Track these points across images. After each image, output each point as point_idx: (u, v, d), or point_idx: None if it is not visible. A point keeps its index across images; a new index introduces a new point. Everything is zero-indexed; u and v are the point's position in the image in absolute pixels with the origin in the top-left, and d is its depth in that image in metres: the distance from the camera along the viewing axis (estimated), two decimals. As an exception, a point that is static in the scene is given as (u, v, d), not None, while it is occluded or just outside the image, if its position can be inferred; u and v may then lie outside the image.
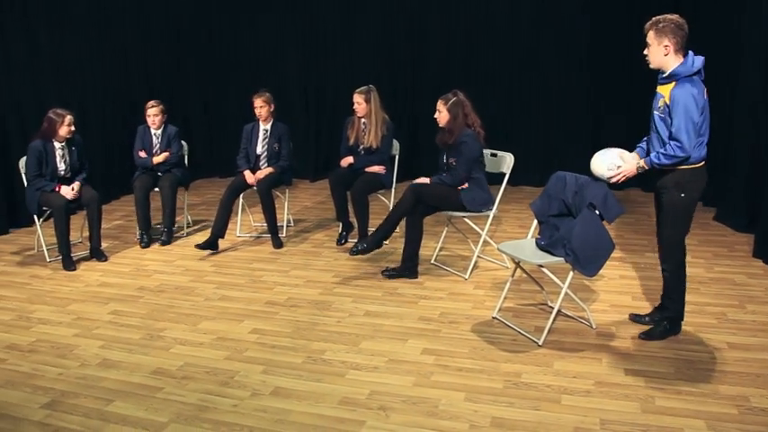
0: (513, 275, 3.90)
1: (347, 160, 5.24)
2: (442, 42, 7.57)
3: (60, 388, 3.13)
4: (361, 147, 5.18)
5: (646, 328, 3.60)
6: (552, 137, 7.40)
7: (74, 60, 6.63)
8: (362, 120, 5.16)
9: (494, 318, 3.86)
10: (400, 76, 7.77)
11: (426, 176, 4.59)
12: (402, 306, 4.08)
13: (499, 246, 3.80)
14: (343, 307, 4.09)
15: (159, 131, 5.52)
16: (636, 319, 3.77)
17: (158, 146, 5.53)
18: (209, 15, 8.17)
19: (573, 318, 3.82)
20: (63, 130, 4.89)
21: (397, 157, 5.47)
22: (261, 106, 5.33)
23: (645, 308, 3.89)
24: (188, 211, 6.02)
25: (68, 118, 4.91)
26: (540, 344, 3.48)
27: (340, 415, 2.87)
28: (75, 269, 4.84)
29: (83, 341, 3.65)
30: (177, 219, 5.86)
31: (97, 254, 5.12)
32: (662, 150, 3.29)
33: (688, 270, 3.57)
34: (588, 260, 3.47)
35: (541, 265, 3.57)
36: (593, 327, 3.69)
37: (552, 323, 3.59)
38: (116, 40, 7.14)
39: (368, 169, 5.17)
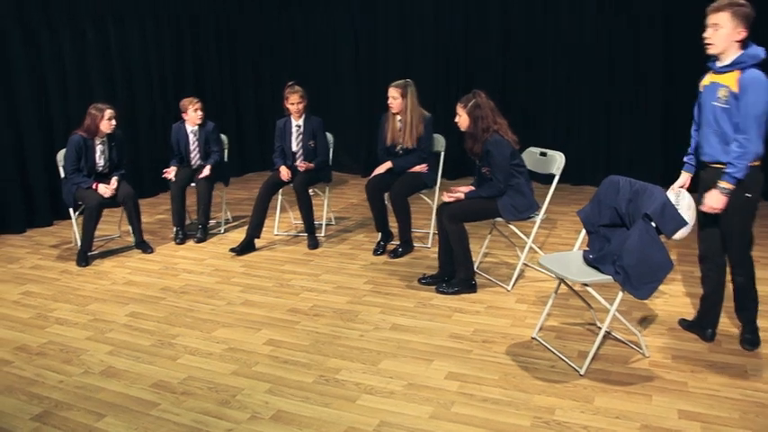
0: (556, 291, 3.46)
1: (384, 167, 4.81)
2: (502, 37, 7.06)
3: (56, 397, 2.97)
4: (399, 147, 4.81)
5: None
6: (617, 134, 6.77)
7: (122, 55, 6.60)
8: (398, 117, 4.78)
9: (533, 338, 3.45)
10: (458, 71, 7.34)
11: (464, 183, 4.20)
12: (433, 320, 3.72)
13: (541, 260, 3.36)
14: (369, 318, 3.77)
15: (196, 128, 5.35)
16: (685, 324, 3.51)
17: (196, 143, 5.37)
18: (262, 10, 8.02)
19: (623, 342, 3.36)
20: (104, 125, 4.81)
21: (442, 153, 5.05)
22: (299, 102, 5.01)
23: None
24: (230, 206, 5.88)
25: (108, 112, 4.82)
26: (581, 373, 3.05)
27: (341, 449, 2.56)
28: (86, 266, 4.78)
29: (92, 345, 3.50)
30: (217, 215, 5.73)
31: (142, 246, 5.07)
32: (733, 155, 2.92)
33: (760, 288, 3.09)
34: (641, 280, 2.99)
35: (586, 284, 3.13)
36: (646, 355, 3.21)
37: (597, 349, 3.15)
38: (167, 36, 7.07)
39: (410, 169, 4.81)
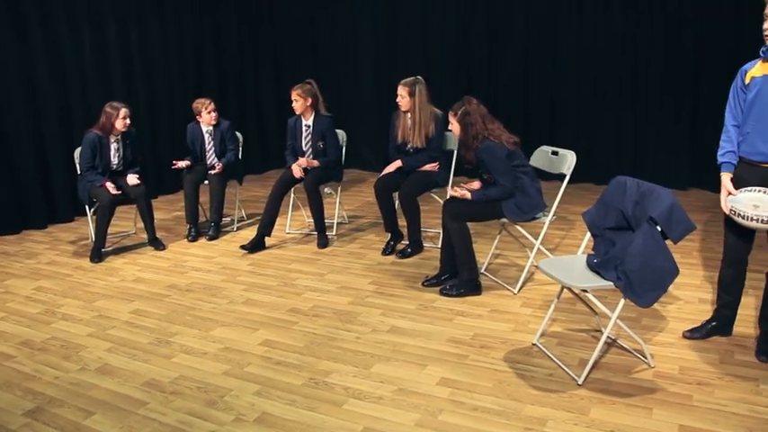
0: (559, 296, 3.34)
1: (393, 166, 4.75)
2: (524, 36, 6.88)
3: (51, 393, 2.99)
4: (410, 145, 4.72)
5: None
6: (643, 133, 6.53)
7: (144, 54, 6.67)
8: (408, 115, 4.68)
9: (534, 344, 3.34)
10: (480, 69, 7.21)
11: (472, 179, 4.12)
12: (433, 323, 3.64)
13: (541, 263, 3.24)
14: (368, 320, 3.71)
15: (211, 128, 5.37)
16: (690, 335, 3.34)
17: (211, 142, 5.39)
18: (284, 8, 8.01)
19: (628, 351, 3.21)
20: (119, 123, 4.86)
21: (455, 152, 4.95)
22: (295, 100, 4.96)
23: (723, 342, 3.22)
24: (247, 203, 5.89)
25: (123, 111, 4.87)
26: (579, 383, 2.93)
27: (321, 455, 2.51)
28: (98, 262, 4.84)
29: (92, 342, 3.53)
30: (231, 212, 5.74)
31: (155, 243, 5.12)
32: None
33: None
34: (643, 287, 2.85)
35: (586, 290, 3.00)
36: (651, 365, 3.07)
37: (599, 357, 3.02)
38: (189, 35, 7.12)
39: (420, 168, 4.72)
